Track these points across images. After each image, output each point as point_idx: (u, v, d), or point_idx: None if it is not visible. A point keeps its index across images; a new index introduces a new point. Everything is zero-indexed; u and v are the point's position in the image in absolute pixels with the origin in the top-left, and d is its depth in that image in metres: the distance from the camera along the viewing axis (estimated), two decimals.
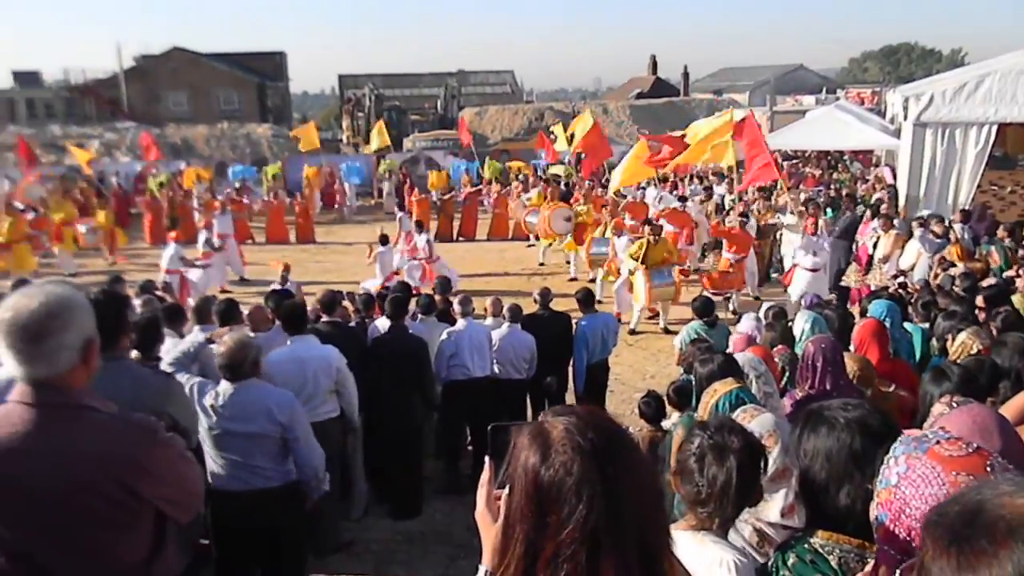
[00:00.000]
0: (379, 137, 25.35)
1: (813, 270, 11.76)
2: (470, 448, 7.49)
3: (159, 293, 8.44)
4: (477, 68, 57.29)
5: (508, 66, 64.97)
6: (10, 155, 31.07)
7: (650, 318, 12.56)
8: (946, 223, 11.29)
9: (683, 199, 16.76)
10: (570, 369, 8.07)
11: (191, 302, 6.45)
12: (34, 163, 24.39)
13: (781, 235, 14.31)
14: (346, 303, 7.43)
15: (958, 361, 4.50)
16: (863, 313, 6.82)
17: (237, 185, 23.56)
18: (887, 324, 5.72)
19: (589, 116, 21.00)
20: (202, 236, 15.43)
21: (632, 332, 11.93)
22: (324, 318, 6.53)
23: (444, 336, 7.06)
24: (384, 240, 14.61)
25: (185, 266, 13.66)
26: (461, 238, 20.88)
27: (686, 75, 52.56)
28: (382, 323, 6.88)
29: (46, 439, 2.02)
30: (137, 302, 7.01)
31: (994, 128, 12.16)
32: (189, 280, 13.44)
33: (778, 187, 15.23)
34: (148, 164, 27.58)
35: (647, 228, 12.15)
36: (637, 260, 11.81)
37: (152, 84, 47.54)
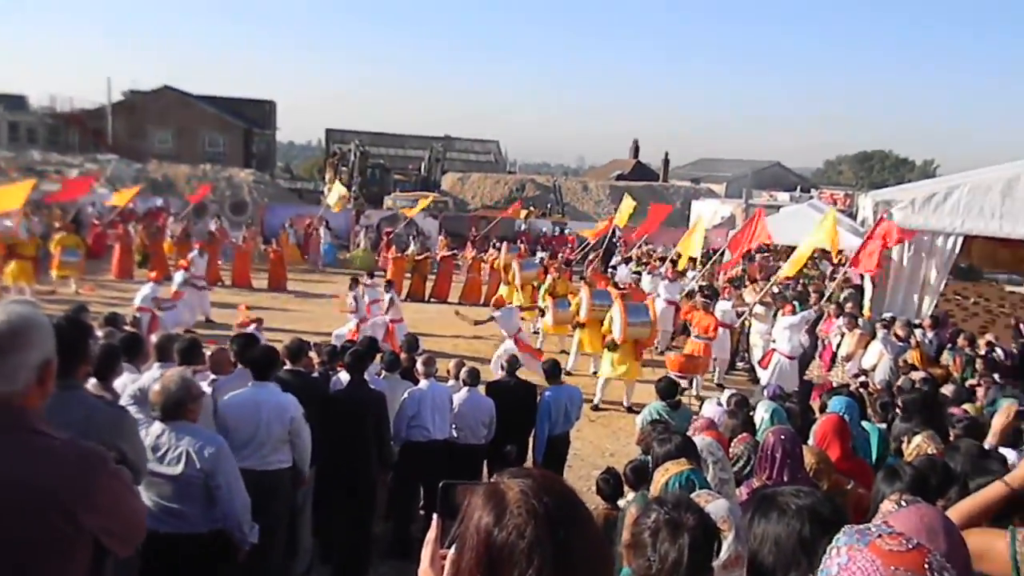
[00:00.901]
0: (336, 194, 25.85)
1: (791, 357, 11.91)
2: (422, 512, 7.38)
3: (127, 327, 8.33)
4: (463, 135, 58.19)
5: (494, 136, 66.00)
6: None
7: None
8: (910, 327, 11.50)
9: (637, 273, 17.15)
10: (531, 439, 8.04)
11: (154, 339, 6.36)
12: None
13: (749, 325, 14.48)
14: (311, 353, 7.36)
15: (911, 463, 4.55)
16: (822, 408, 6.88)
17: (213, 226, 23.53)
18: (847, 420, 5.77)
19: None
20: (178, 276, 15.33)
21: (595, 408, 11.93)
22: (287, 366, 6.47)
23: (406, 395, 7.01)
24: (353, 284, 14.65)
25: (157, 306, 13.47)
26: (433, 299, 20.90)
27: (666, 161, 53.70)
28: (344, 376, 6.83)
29: None
30: (100, 333, 6.92)
31: (960, 239, 12.48)
32: (159, 318, 13.26)
33: (745, 279, 15.52)
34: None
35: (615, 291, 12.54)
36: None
37: (139, 119, 47.65)
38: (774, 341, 12.47)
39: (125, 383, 5.26)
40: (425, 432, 6.89)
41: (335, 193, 26.15)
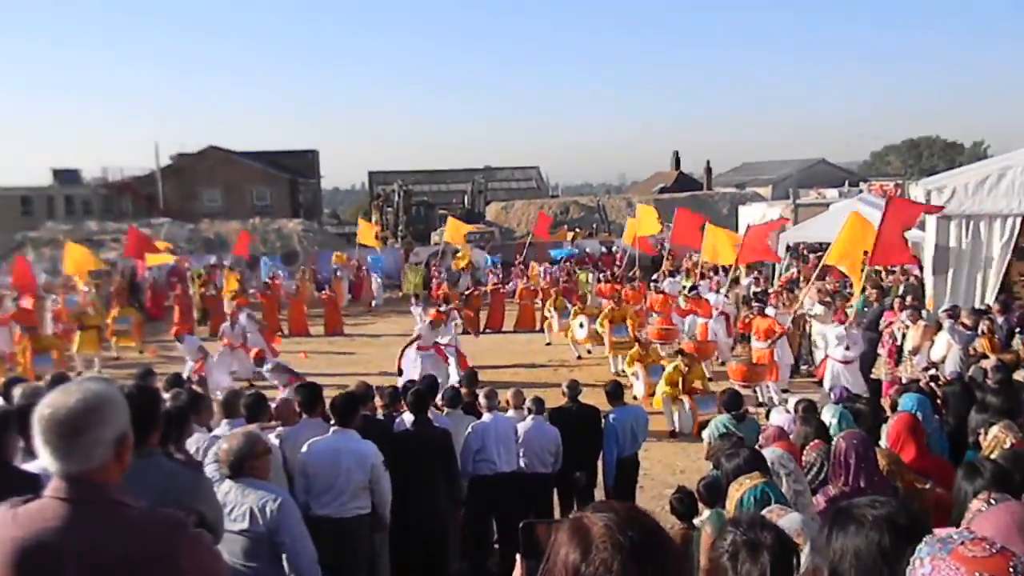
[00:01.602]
0: (366, 233, 26.38)
1: (845, 362, 11.65)
2: (496, 546, 7.36)
3: (192, 386, 8.53)
4: (503, 164, 58.58)
5: (534, 162, 66.33)
6: (46, 250, 31.95)
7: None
8: (976, 314, 11.18)
9: (693, 288, 16.92)
10: (599, 463, 7.99)
11: (217, 394, 6.51)
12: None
13: (810, 327, 14.24)
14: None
15: (991, 456, 4.42)
16: (893, 407, 6.73)
17: (269, 277, 24.00)
18: (919, 418, 5.64)
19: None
20: (224, 326, 15.83)
21: (672, 433, 11.67)
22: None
23: (470, 430, 7.04)
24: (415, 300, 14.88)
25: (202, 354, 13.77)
26: (488, 330, 20.94)
27: (709, 170, 53.22)
28: (407, 417, 6.88)
29: (79, 535, 2.04)
30: (167, 395, 7.09)
31: (1018, 220, 12.16)
32: (207, 367, 13.55)
33: (801, 279, 15.27)
34: (182, 258, 28.24)
35: (679, 357, 12.20)
36: (676, 385, 11.80)
37: (188, 181, 48.95)
38: (826, 347, 12.22)
39: (196, 442, 5.38)
40: (492, 465, 6.90)
41: (365, 232, 26.70)
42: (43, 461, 2.07)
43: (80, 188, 51.57)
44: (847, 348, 11.57)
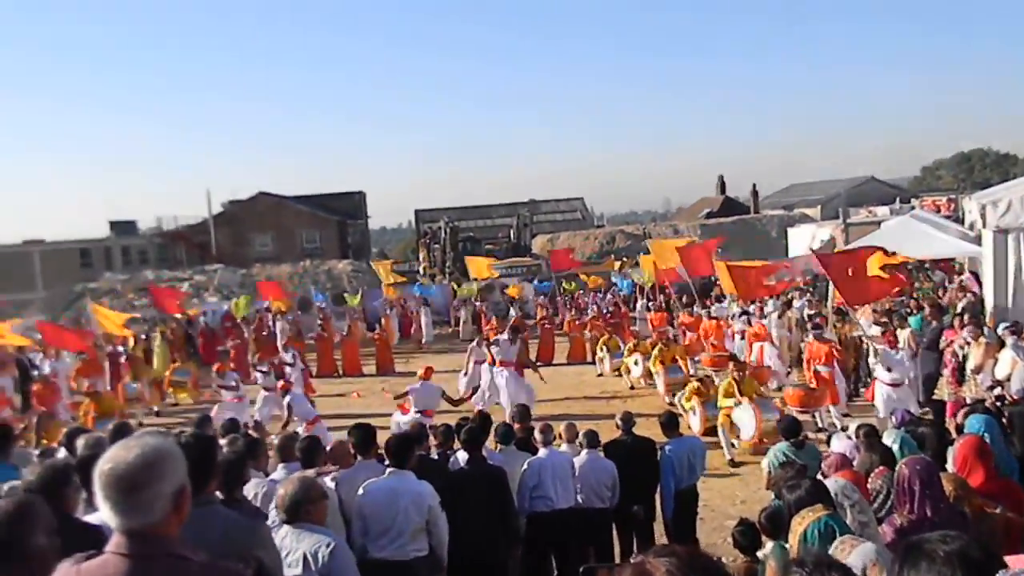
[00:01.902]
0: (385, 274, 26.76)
1: (893, 384, 11.38)
2: None
3: (250, 431, 8.65)
4: (548, 196, 58.85)
5: (578, 192, 66.55)
6: (105, 300, 32.76)
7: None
8: None
9: (745, 313, 16.68)
10: (657, 496, 7.87)
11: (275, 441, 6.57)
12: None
13: (868, 348, 13.94)
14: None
15: None
16: (959, 429, 6.52)
17: (320, 317, 24.26)
18: (987, 440, 5.46)
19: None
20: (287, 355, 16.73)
21: (730, 462, 11.48)
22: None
23: (525, 466, 6.99)
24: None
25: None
26: (539, 363, 20.83)
27: (755, 193, 52.81)
28: (462, 455, 6.86)
29: None
30: (223, 441, 7.18)
31: None
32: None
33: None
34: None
35: (732, 365, 12.08)
36: (733, 397, 11.64)
37: (239, 227, 50.05)
38: (877, 370, 11.93)
39: (254, 487, 5.42)
40: (549, 502, 6.84)
41: (382, 272, 27.22)
42: (104, 516, 2.10)
43: (136, 239, 53.10)
44: (889, 369, 11.31)
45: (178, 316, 26.00)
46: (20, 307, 36.24)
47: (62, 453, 7.26)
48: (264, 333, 23.13)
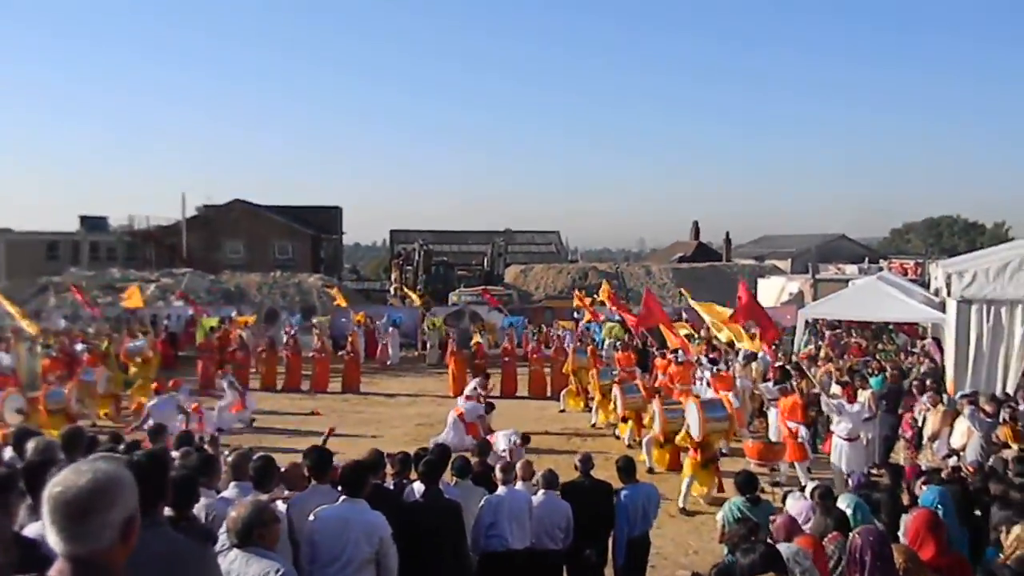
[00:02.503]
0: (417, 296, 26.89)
1: (848, 439, 11.48)
2: None
3: (205, 446, 8.53)
4: (524, 227, 59.03)
5: (554, 226, 66.81)
6: (67, 296, 32.31)
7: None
8: (997, 402, 11.00)
9: (713, 362, 16.68)
10: (610, 541, 7.84)
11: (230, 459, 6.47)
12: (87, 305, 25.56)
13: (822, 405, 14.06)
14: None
15: (1011, 559, 4.30)
16: (912, 497, 6.59)
17: (291, 333, 24.03)
18: (940, 513, 5.52)
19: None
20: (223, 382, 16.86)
21: (682, 510, 11.34)
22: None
23: (483, 503, 6.93)
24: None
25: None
26: (502, 396, 20.76)
27: (728, 241, 53.43)
28: (418, 486, 6.79)
29: None
30: (176, 454, 7.06)
31: None
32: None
33: (820, 358, 15.11)
34: (199, 308, 28.45)
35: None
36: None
37: (212, 232, 49.62)
38: (834, 424, 12.04)
39: (205, 507, 5.33)
40: (504, 541, 6.77)
41: (336, 296, 27.37)
42: (49, 540, 2.05)
43: (106, 235, 52.38)
44: (860, 422, 11.46)
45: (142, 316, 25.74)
46: None
47: (8, 453, 7.11)
48: (232, 346, 22.78)
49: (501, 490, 7.06)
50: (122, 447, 7.61)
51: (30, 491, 4.24)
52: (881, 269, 31.66)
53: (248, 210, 51.11)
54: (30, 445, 6.11)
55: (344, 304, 29.20)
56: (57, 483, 2.05)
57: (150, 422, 13.52)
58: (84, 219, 53.22)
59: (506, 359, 21.53)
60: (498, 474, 7.27)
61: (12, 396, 13.73)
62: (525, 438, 11.75)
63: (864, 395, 12.78)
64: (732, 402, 14.55)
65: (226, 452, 6.90)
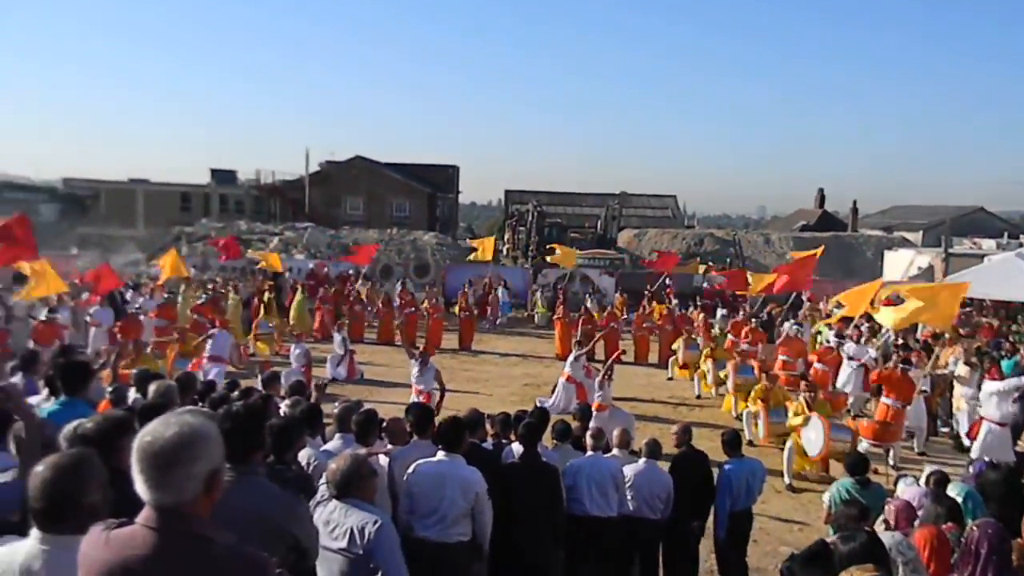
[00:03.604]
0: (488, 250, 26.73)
1: (1002, 424, 10.85)
2: None
3: (315, 391, 8.85)
4: (640, 191, 58.07)
5: (672, 190, 65.41)
6: (198, 245, 33.92)
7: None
8: None
9: (840, 336, 16.04)
10: (711, 514, 7.71)
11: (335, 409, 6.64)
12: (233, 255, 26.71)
13: (951, 388, 13.39)
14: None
15: None
16: None
17: (399, 288, 24.56)
18: None
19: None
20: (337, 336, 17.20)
21: (789, 487, 11.09)
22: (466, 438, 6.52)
23: (566, 467, 6.90)
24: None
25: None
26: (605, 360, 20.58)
27: (855, 210, 51.06)
28: (516, 448, 6.82)
29: (164, 566, 2.09)
30: (287, 403, 7.32)
31: None
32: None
33: (944, 337, 14.30)
34: (320, 262, 29.37)
35: (803, 385, 11.87)
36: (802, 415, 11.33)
37: (333, 188, 51.00)
38: (981, 408, 11.38)
39: (307, 456, 5.50)
40: (581, 506, 6.71)
41: (488, 248, 27.17)
42: (137, 488, 2.12)
43: (235, 188, 54.65)
44: (1009, 405, 10.83)
45: (267, 270, 26.73)
46: (120, 243, 37.81)
47: (133, 393, 7.53)
48: (350, 298, 23.48)
49: (585, 456, 7.01)
50: (235, 394, 7.96)
51: None
52: (1022, 245, 29.72)
53: (368, 167, 52.17)
54: (151, 388, 6.45)
55: (489, 258, 28.73)
56: (146, 433, 2.13)
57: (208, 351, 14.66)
58: (215, 172, 55.65)
59: (612, 324, 21.34)
60: (588, 440, 7.20)
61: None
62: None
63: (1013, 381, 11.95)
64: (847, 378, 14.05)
65: (336, 404, 7.06)
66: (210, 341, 15.08)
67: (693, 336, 18.07)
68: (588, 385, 14.17)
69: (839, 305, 16.07)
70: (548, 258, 28.16)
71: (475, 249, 28.08)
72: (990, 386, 11.17)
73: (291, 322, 21.50)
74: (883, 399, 11.91)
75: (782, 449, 11.68)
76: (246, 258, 29.65)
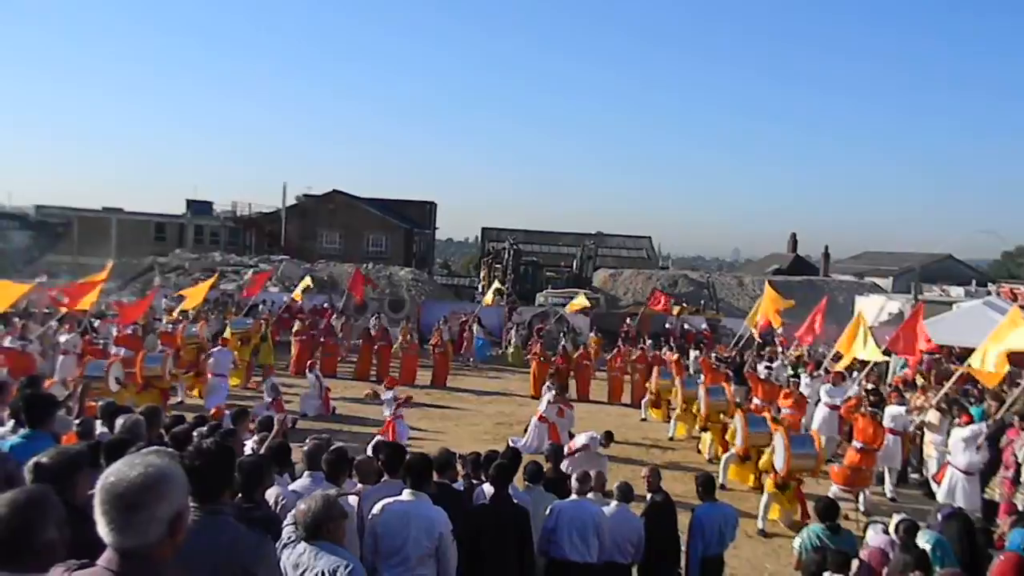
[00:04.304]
0: (491, 291, 26.76)
1: (968, 472, 10.93)
2: None
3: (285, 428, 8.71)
4: (616, 231, 58.50)
5: (647, 231, 66.03)
6: (171, 276, 33.62)
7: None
8: None
9: (796, 377, 16.21)
10: (682, 559, 7.65)
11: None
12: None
13: (921, 435, 13.47)
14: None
15: None
16: (1000, 540, 6.20)
17: (373, 323, 24.46)
18: None
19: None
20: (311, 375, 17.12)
21: (761, 532, 11.03)
22: (434, 477, 6.46)
23: (550, 508, 6.85)
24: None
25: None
26: (577, 399, 20.49)
27: (827, 255, 51.66)
28: (487, 488, 6.76)
29: None
30: (255, 438, 7.22)
31: None
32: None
33: (918, 385, 14.44)
34: (294, 297, 29.19)
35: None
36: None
37: (310, 222, 50.87)
38: (949, 454, 11.47)
39: (275, 495, 5.42)
40: (560, 551, 6.67)
41: (490, 292, 27.09)
42: (100, 531, 2.07)
43: (211, 220, 54.38)
44: (975, 452, 10.90)
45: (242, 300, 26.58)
46: (93, 272, 37.35)
47: (99, 426, 7.39)
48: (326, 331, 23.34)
49: (569, 500, 6.96)
50: (204, 428, 7.84)
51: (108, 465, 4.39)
52: (989, 293, 30.15)
53: (345, 201, 52.13)
54: (118, 422, 6.34)
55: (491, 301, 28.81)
56: (110, 474, 2.08)
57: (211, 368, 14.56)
58: (191, 203, 55.38)
59: (585, 363, 21.36)
60: (574, 483, 7.16)
61: (116, 364, 14.38)
62: (609, 436, 11.53)
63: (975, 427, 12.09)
64: (821, 440, 14.07)
65: (306, 441, 6.97)
66: (211, 359, 16.19)
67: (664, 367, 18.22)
68: (561, 425, 14.14)
69: (838, 356, 16.22)
70: (568, 306, 28.05)
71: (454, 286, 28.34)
72: (958, 432, 11.29)
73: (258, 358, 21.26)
74: (854, 443, 11.99)
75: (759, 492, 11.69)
76: (219, 289, 29.44)
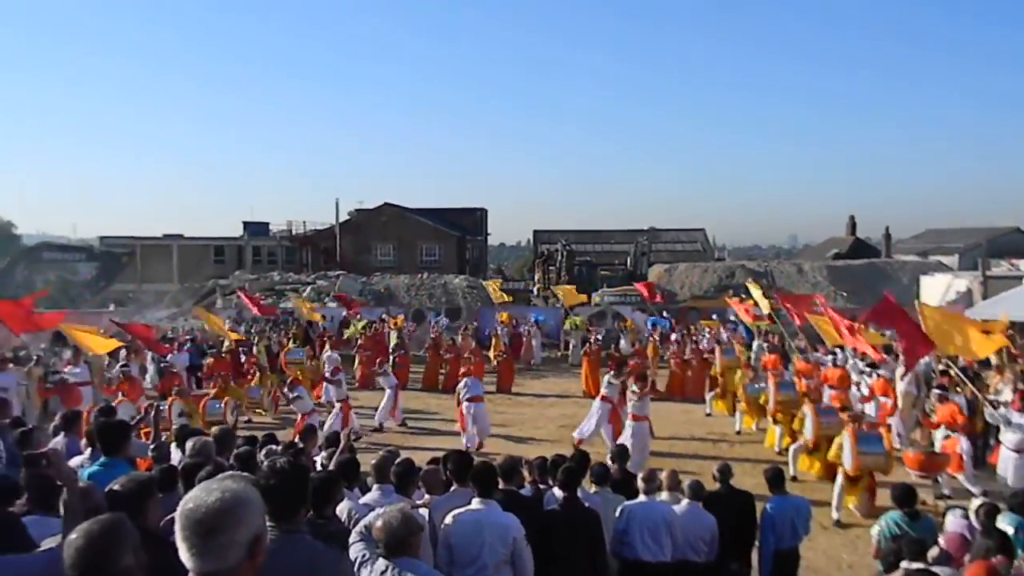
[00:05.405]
0: (569, 295, 26.64)
1: (1017, 451, 10.61)
2: None
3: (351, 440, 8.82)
4: (669, 226, 58.07)
5: (701, 223, 65.40)
6: (232, 297, 34.36)
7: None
8: None
9: (873, 366, 15.76)
10: (755, 554, 7.55)
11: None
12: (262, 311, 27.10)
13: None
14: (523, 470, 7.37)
15: None
16: None
17: (434, 334, 24.66)
18: None
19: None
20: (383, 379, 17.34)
21: (836, 523, 10.80)
22: (500, 485, 6.48)
23: (620, 509, 6.82)
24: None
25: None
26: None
27: (888, 236, 50.52)
28: (557, 493, 6.75)
29: None
30: (323, 454, 7.33)
31: None
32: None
33: (994, 363, 14.02)
34: (352, 311, 29.54)
35: (845, 416, 11.61)
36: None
37: (363, 236, 51.56)
38: (1002, 433, 11.18)
39: (346, 509, 5.48)
40: (632, 551, 6.64)
41: (491, 290, 27.62)
42: (181, 556, 2.12)
43: (267, 240, 55.50)
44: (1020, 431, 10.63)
45: (300, 318, 27.05)
46: (158, 298, 38.42)
47: (176, 452, 7.57)
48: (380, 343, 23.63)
49: (638, 500, 6.93)
50: (277, 447, 7.98)
51: (187, 490, 4.49)
52: None
53: (397, 213, 52.73)
54: (188, 445, 6.49)
55: (505, 298, 29.59)
56: (188, 500, 2.13)
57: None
58: (247, 224, 56.54)
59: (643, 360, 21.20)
60: (640, 484, 7.12)
61: (176, 404, 14.65)
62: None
63: None
64: (891, 437, 13.71)
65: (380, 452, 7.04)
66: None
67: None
68: (622, 408, 14.03)
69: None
70: (557, 298, 28.26)
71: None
72: (1015, 415, 10.99)
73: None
74: (942, 429, 11.76)
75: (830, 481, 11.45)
76: (280, 308, 30.05)
